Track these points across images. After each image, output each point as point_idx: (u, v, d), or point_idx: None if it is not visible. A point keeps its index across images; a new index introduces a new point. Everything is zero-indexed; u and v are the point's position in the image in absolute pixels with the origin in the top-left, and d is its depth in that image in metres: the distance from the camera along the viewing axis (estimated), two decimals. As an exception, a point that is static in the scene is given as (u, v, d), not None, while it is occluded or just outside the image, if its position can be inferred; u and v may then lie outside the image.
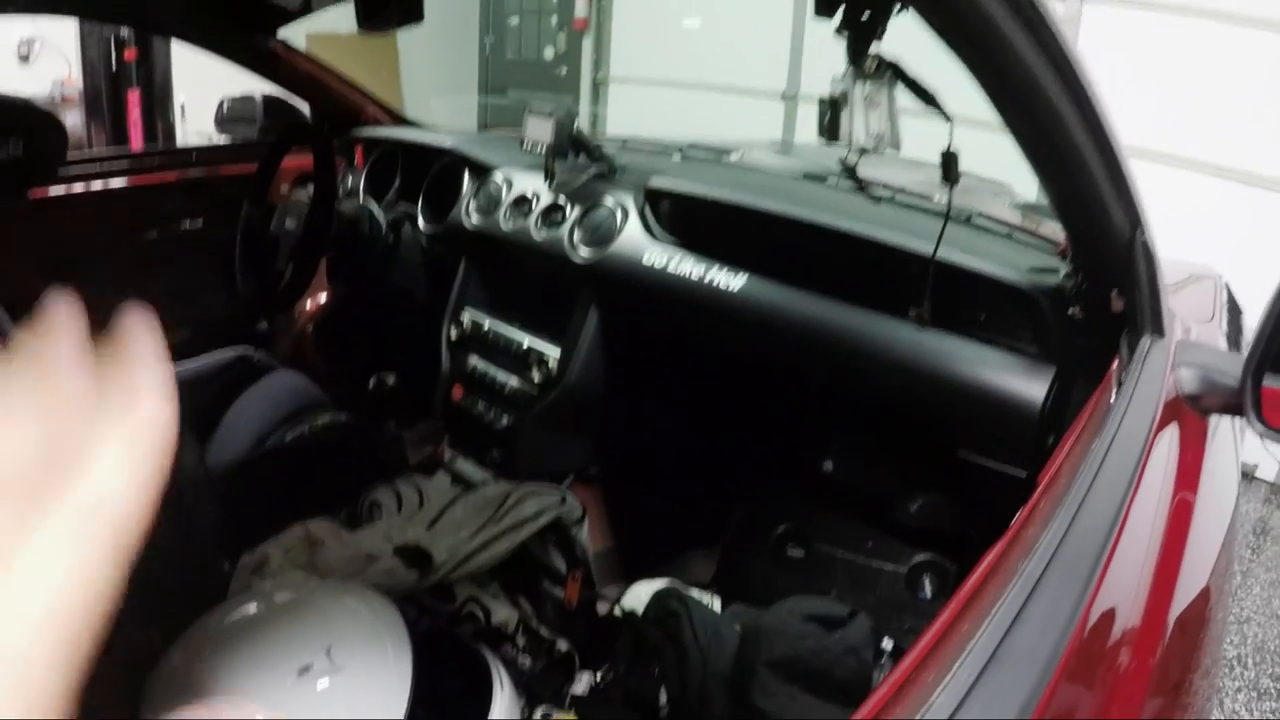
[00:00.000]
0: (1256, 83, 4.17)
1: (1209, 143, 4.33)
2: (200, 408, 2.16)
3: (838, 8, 1.09)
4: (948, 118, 1.14)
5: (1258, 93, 4.17)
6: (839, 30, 1.10)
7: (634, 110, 6.72)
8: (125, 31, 5.29)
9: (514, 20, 7.62)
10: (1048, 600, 0.65)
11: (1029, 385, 1.47)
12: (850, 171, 1.23)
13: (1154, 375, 1.18)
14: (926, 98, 1.12)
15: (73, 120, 5.14)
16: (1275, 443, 1.19)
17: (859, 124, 1.11)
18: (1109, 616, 0.76)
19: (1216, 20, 4.25)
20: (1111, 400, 1.12)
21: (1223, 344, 1.94)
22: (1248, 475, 4.37)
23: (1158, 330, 1.29)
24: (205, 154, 2.84)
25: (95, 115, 5.42)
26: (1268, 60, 4.14)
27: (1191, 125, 4.33)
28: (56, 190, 2.36)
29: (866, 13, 1.07)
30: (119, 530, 0.27)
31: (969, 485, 1.67)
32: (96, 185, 2.49)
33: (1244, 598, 3.45)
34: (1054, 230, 1.79)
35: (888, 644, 1.78)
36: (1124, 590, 0.82)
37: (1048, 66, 0.98)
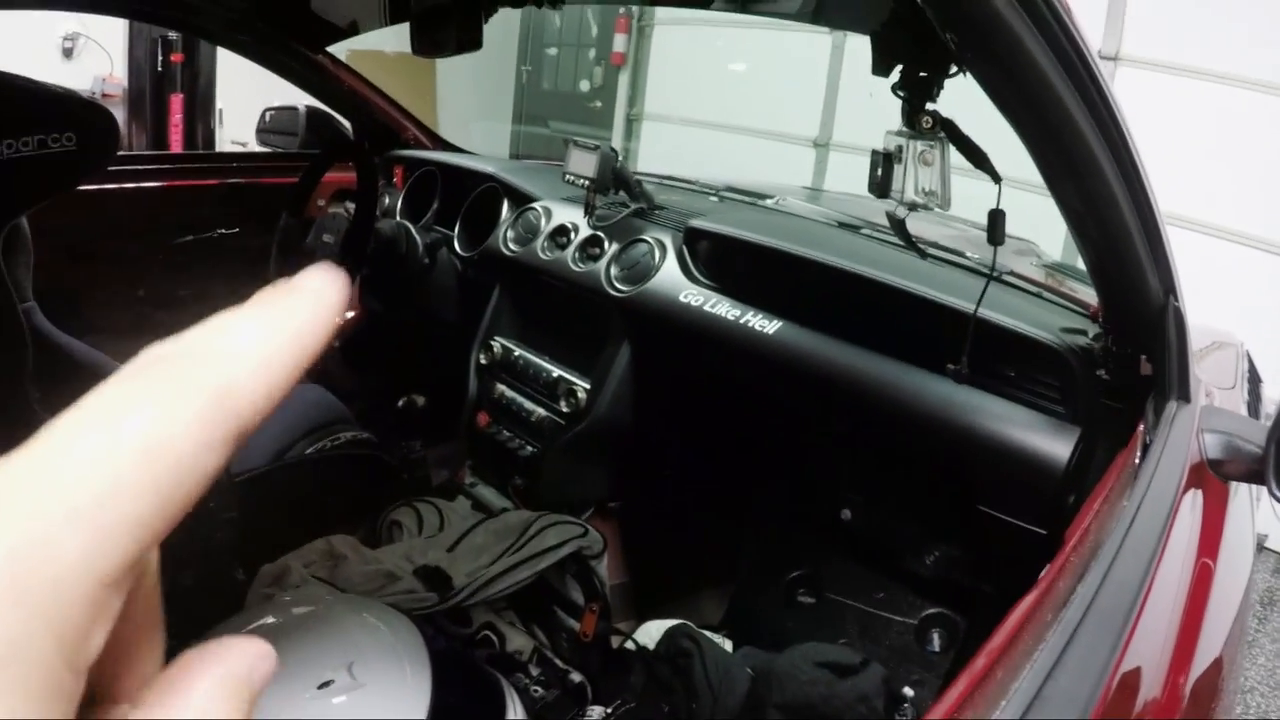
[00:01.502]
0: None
1: (1232, 208, 4.35)
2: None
3: (894, 67, 1.12)
4: (997, 179, 1.16)
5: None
6: (895, 89, 1.12)
7: (665, 148, 6.76)
8: (173, 34, 5.35)
9: (552, 51, 7.70)
10: (1085, 647, 0.66)
11: (1054, 444, 1.48)
12: (899, 226, 1.24)
13: (1180, 439, 1.19)
14: (978, 157, 1.14)
15: (114, 118, 5.18)
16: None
17: (910, 181, 1.13)
18: (1135, 673, 0.77)
19: (1244, 87, 4.28)
20: (1138, 461, 1.14)
21: (1244, 411, 1.95)
22: (1259, 545, 4.36)
23: (1184, 396, 1.30)
24: (245, 162, 2.87)
25: (137, 115, 5.47)
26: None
27: (1218, 190, 4.35)
28: (96, 185, 2.39)
29: (923, 73, 1.09)
30: (233, 410, 0.24)
31: (987, 540, 1.67)
32: (137, 185, 2.53)
33: (1248, 668, 3.44)
34: (1081, 291, 1.81)
35: (909, 691, 1.79)
36: (1151, 647, 0.84)
37: (1096, 130, 1.00)
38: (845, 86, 5.70)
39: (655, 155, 6.80)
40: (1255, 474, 1.27)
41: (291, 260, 2.48)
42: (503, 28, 7.37)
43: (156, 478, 0.22)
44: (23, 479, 0.22)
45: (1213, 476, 1.30)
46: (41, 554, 0.21)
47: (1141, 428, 1.27)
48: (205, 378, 0.24)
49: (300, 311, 0.27)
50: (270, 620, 1.38)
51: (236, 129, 5.47)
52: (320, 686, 1.22)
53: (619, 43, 6.89)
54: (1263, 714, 3.19)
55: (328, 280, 0.29)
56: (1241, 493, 1.51)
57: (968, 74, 0.98)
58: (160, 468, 0.22)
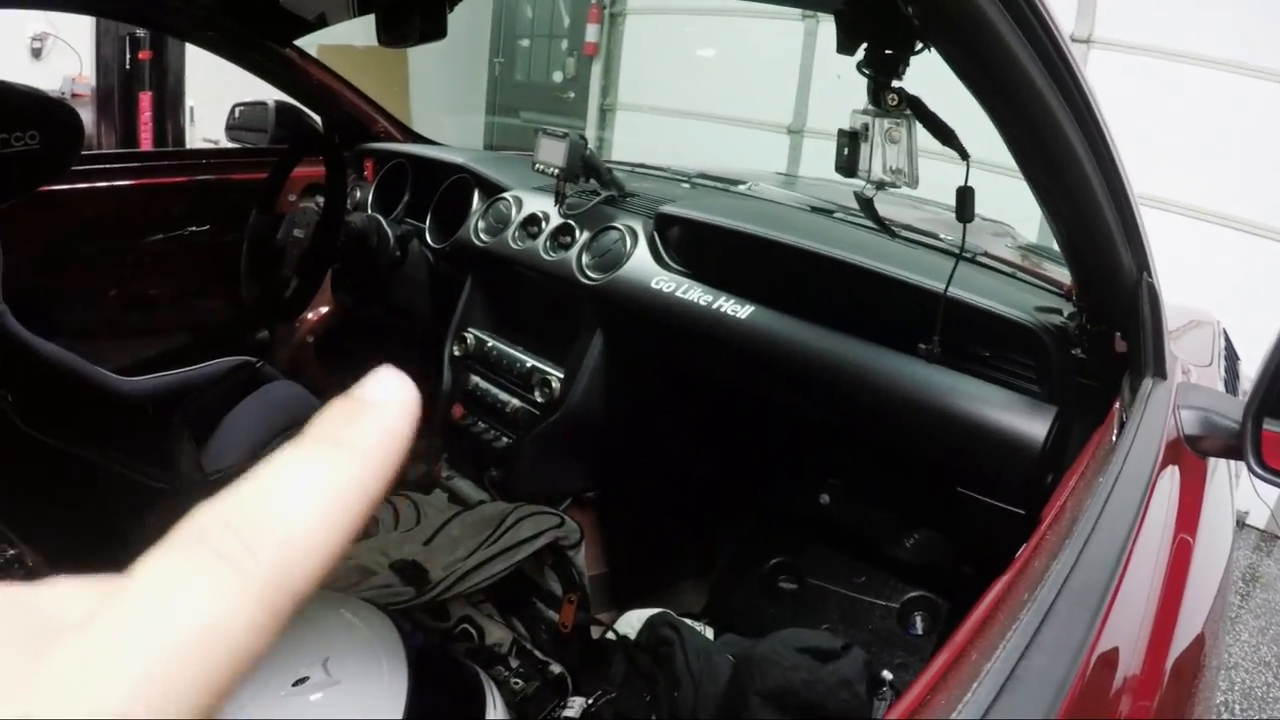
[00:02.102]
0: (1256, 130, 4.22)
1: (1207, 189, 4.37)
2: (199, 414, 2.15)
3: (859, 45, 1.11)
4: (965, 155, 1.15)
5: (1257, 140, 4.22)
6: (860, 67, 1.11)
7: (640, 137, 6.75)
8: (141, 32, 5.30)
9: (525, 42, 7.67)
10: (1059, 626, 0.65)
11: (1031, 424, 1.48)
12: (867, 205, 1.23)
13: (1156, 416, 1.19)
14: (945, 134, 1.13)
15: (83, 117, 5.14)
16: (1272, 485, 1.20)
17: (877, 159, 1.12)
18: (1113, 652, 0.77)
19: (1218, 68, 4.30)
20: (1114, 439, 1.13)
21: (1221, 389, 1.96)
22: (1239, 522, 4.38)
23: (1160, 373, 1.29)
24: (215, 158, 2.85)
25: (106, 114, 5.42)
26: (1266, 108, 4.19)
27: (1191, 171, 4.37)
28: (64, 185, 2.36)
29: (888, 50, 1.08)
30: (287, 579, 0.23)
31: (966, 521, 1.67)
32: (105, 184, 2.50)
33: (1231, 644, 3.46)
34: (1056, 271, 1.80)
35: (888, 675, 1.79)
36: (1129, 624, 0.83)
37: (1066, 108, 0.99)
38: (818, 73, 5.69)
39: (630, 145, 6.78)
40: (1233, 450, 1.27)
41: (263, 256, 2.46)
42: (474, 20, 7.36)
43: (210, 668, 0.22)
44: (79, 669, 0.21)
45: (1190, 453, 1.29)
46: None
47: (1117, 405, 1.27)
48: (261, 557, 0.23)
49: (368, 443, 0.26)
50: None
51: (208, 126, 5.42)
52: (295, 684, 1.21)
53: (591, 33, 6.87)
54: (1246, 690, 3.21)
55: (395, 390, 0.28)
56: (1221, 469, 1.51)
57: (933, 50, 0.97)
58: (214, 657, 0.22)
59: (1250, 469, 1.20)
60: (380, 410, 0.27)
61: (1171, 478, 1.18)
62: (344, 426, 0.26)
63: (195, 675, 0.21)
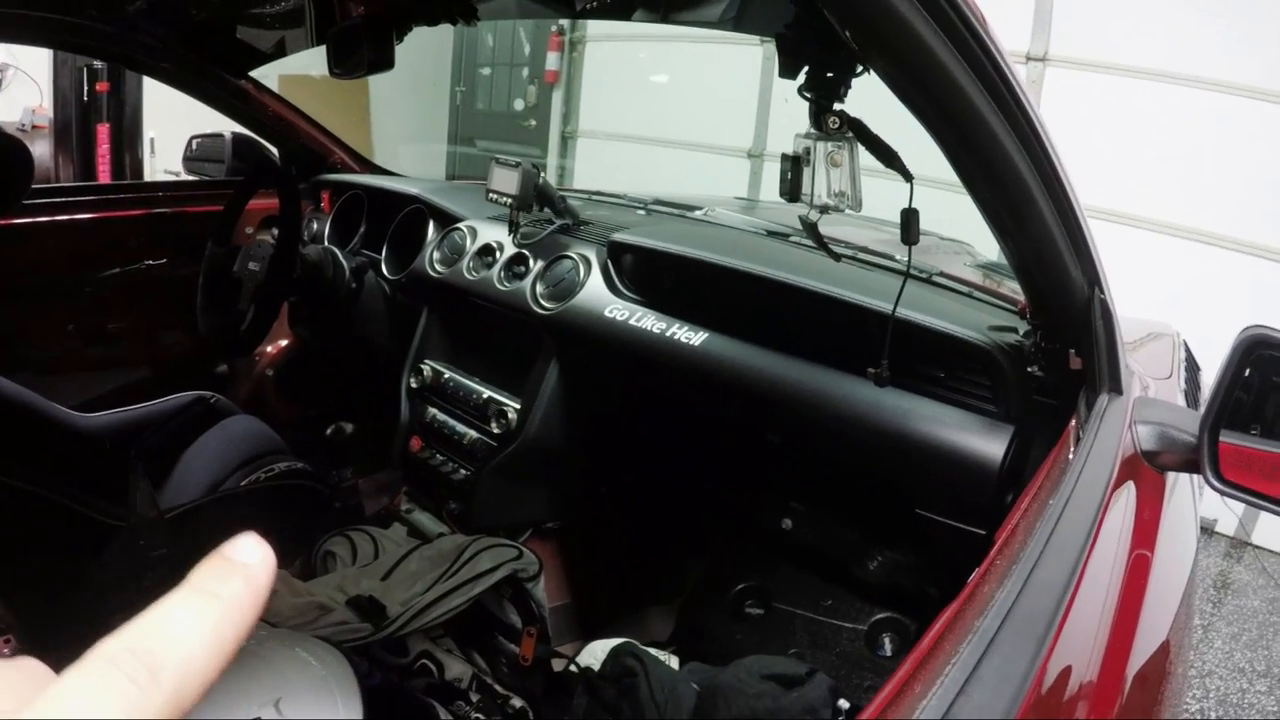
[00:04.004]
0: (1210, 142, 4.28)
1: (1164, 202, 4.42)
2: (156, 450, 2.13)
3: (800, 69, 1.10)
4: (908, 177, 1.14)
5: (1211, 152, 4.28)
6: (801, 91, 1.11)
7: (602, 164, 6.76)
8: (99, 64, 5.27)
9: (486, 71, 7.67)
10: (1002, 658, 0.64)
11: (988, 444, 1.47)
12: (811, 229, 1.22)
13: (1111, 432, 1.18)
14: (888, 156, 1.13)
15: (41, 150, 5.10)
16: (1231, 499, 1.19)
17: (820, 182, 1.12)
18: (1066, 673, 0.76)
19: (1171, 82, 4.36)
20: (1069, 457, 1.12)
21: (1181, 401, 1.96)
22: (1207, 530, 4.41)
23: (1115, 388, 1.29)
24: (172, 191, 2.82)
25: (64, 146, 5.38)
26: (1219, 120, 4.25)
27: (1148, 185, 4.42)
28: (19, 220, 2.33)
29: (829, 74, 1.08)
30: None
31: (928, 543, 1.67)
32: (60, 217, 2.47)
33: (1206, 651, 3.47)
34: (1014, 289, 1.80)
35: (844, 704, 1.77)
36: (1081, 646, 0.82)
37: (1007, 127, 0.99)
38: (777, 97, 5.71)
39: (592, 172, 6.80)
40: (1190, 464, 1.27)
41: (219, 289, 2.44)
42: (436, 49, 7.36)
43: None
44: None
45: (1148, 467, 1.29)
46: None
47: (1074, 423, 1.27)
48: (162, 680, 0.27)
49: (237, 595, 0.31)
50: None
51: (169, 159, 5.39)
52: (247, 725, 1.19)
53: (552, 61, 6.89)
54: (1222, 696, 3.22)
55: (257, 553, 0.32)
56: (1183, 481, 1.51)
57: (871, 72, 0.97)
58: None
59: (1209, 483, 1.19)
60: (245, 570, 0.32)
61: (1128, 494, 1.17)
62: (219, 581, 0.31)
63: None
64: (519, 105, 7.37)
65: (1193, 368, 2.35)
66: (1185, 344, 2.42)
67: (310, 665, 1.34)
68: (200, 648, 0.29)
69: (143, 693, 0.27)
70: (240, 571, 0.31)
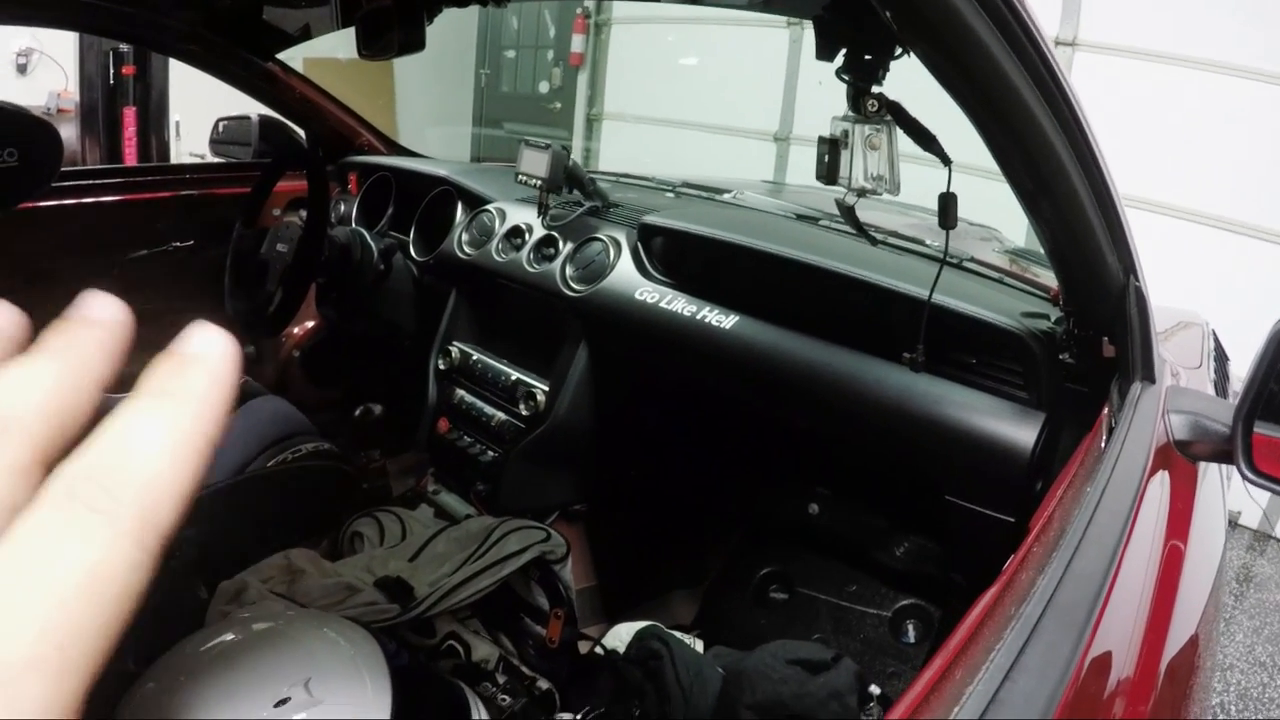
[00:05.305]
0: (1242, 131, 4.23)
1: (1195, 190, 4.37)
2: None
3: (838, 51, 1.10)
4: (946, 160, 1.14)
5: (1244, 141, 4.23)
6: (839, 73, 1.10)
7: (626, 146, 6.75)
8: (125, 47, 5.29)
9: (510, 54, 7.67)
10: (1045, 645, 0.64)
11: (1019, 431, 1.46)
12: (848, 213, 1.21)
13: (1145, 421, 1.17)
14: (926, 140, 1.12)
15: (67, 133, 5.12)
16: (1264, 490, 1.18)
17: (858, 166, 1.11)
18: (1104, 662, 0.75)
19: (1201, 69, 4.31)
20: (1103, 445, 1.12)
21: (1210, 391, 1.95)
22: (1232, 522, 4.39)
23: (1149, 377, 1.28)
24: (199, 173, 2.83)
25: (90, 130, 5.40)
26: (1250, 107, 4.20)
27: (1177, 172, 4.37)
28: (47, 202, 2.34)
29: (868, 56, 1.07)
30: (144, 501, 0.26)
31: (955, 530, 1.66)
32: (88, 199, 2.48)
33: (1227, 645, 3.46)
34: (1043, 275, 1.79)
35: (875, 689, 1.77)
36: (1119, 637, 0.81)
37: (1049, 111, 0.98)
38: (804, 79, 5.69)
39: (616, 155, 6.79)
40: (1223, 454, 1.26)
41: (246, 271, 2.45)
42: (460, 32, 7.36)
43: (103, 607, 0.25)
44: None
45: (1180, 457, 1.28)
46: (5, 700, 0.23)
47: (1106, 411, 1.26)
48: (126, 502, 0.26)
49: (198, 392, 0.29)
50: (229, 637, 1.34)
51: (195, 141, 5.41)
52: (277, 704, 1.19)
53: (577, 43, 6.87)
54: (1242, 690, 3.21)
55: (214, 342, 0.31)
56: (1212, 471, 1.50)
57: (911, 55, 0.96)
58: (105, 596, 0.25)
59: (1241, 474, 1.18)
60: (203, 362, 0.30)
61: (1162, 483, 1.17)
62: (173, 379, 0.29)
63: (92, 615, 0.24)
64: (544, 88, 7.36)
65: (1222, 358, 2.34)
66: (1215, 334, 2.41)
67: (339, 645, 1.34)
68: (163, 455, 0.27)
69: (107, 519, 0.25)
70: (199, 364, 0.30)
